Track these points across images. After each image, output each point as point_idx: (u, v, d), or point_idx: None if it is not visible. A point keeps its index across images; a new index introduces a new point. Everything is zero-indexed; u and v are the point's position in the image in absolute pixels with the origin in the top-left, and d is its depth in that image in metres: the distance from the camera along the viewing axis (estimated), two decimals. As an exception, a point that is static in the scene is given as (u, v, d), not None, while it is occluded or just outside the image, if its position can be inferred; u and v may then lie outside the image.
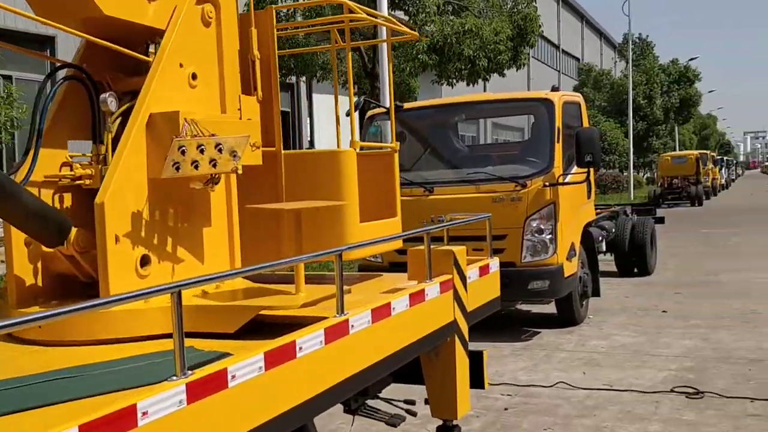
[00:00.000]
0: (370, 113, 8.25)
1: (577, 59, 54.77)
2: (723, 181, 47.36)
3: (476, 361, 4.01)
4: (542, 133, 8.08)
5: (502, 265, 7.39)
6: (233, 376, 2.13)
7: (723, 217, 23.71)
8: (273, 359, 2.30)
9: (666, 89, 43.82)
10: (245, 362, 2.20)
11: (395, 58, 13.88)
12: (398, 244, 4.17)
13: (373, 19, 4.06)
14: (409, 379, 3.95)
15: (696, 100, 47.61)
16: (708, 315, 8.57)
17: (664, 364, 6.52)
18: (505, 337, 7.73)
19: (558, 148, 7.74)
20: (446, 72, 13.89)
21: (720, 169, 45.15)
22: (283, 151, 3.86)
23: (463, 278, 3.72)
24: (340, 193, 3.66)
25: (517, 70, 16.69)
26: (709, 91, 57.59)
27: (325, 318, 2.77)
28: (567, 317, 8.28)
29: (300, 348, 2.43)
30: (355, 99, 7.32)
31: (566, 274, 7.71)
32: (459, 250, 3.68)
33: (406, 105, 8.59)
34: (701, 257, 13.86)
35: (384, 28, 5.36)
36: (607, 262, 11.44)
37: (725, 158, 57.59)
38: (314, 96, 22.73)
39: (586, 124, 8.69)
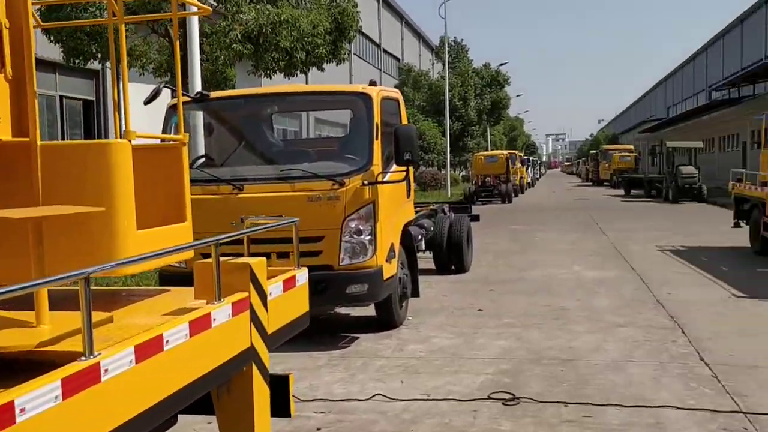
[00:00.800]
0: (171, 102, 7.45)
1: (398, 59, 55.95)
2: (529, 180, 50.60)
3: (280, 387, 3.50)
4: (360, 129, 7.71)
5: (319, 268, 7.02)
6: None
7: (529, 214, 25.04)
8: (-29, 433, 1.63)
9: (479, 92, 45.98)
10: None
11: (208, 46, 12.99)
12: (189, 254, 3.56)
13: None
14: (201, 410, 3.37)
15: (506, 103, 50.62)
16: (520, 313, 8.70)
17: (481, 368, 6.39)
18: (322, 345, 7.29)
19: (377, 145, 7.40)
20: (263, 62, 13.22)
21: (527, 169, 48.17)
22: (39, 143, 3.11)
23: (263, 295, 3.18)
24: (109, 193, 2.99)
25: (337, 65, 16.37)
26: (517, 95, 61.39)
27: (79, 354, 2.14)
28: (386, 320, 8.01)
29: (22, 409, 1.77)
30: (157, 86, 6.52)
31: (385, 277, 7.42)
32: (257, 262, 3.13)
33: (214, 94, 7.86)
34: (511, 254, 14.33)
35: (189, 7, 4.73)
36: (426, 259, 11.42)
37: (531, 158, 61.69)
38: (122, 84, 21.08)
39: (405, 121, 8.46)
